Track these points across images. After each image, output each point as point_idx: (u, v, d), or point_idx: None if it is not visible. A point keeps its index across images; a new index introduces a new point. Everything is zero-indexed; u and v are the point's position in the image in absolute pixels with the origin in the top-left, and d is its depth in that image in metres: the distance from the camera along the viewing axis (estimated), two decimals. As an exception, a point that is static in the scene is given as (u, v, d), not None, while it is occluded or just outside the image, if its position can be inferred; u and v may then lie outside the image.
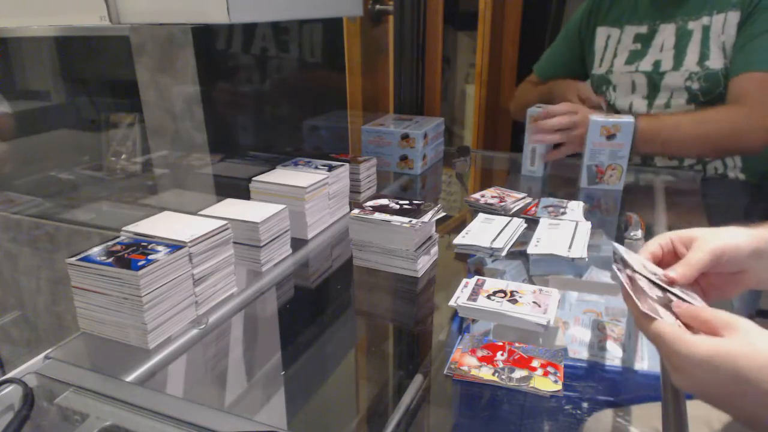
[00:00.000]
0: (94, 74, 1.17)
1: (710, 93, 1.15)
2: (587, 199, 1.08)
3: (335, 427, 0.61)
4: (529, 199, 1.06)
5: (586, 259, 0.81)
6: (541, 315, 0.64)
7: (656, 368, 0.60)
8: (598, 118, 1.09)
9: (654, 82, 1.21)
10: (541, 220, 0.95)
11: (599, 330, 0.67)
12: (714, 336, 0.44)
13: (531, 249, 0.84)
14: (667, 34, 1.19)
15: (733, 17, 1.11)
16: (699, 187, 1.15)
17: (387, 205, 0.84)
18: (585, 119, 1.11)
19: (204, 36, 0.95)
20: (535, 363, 0.60)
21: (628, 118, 1.08)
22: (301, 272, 0.86)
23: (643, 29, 1.23)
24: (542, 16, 2.07)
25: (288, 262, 0.85)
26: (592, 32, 1.33)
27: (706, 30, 1.14)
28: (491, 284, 0.72)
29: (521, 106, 1.29)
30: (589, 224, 0.91)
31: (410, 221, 0.78)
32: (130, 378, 0.60)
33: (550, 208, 1.01)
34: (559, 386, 0.57)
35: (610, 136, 1.08)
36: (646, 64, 1.22)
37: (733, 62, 1.11)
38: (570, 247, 0.84)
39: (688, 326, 0.47)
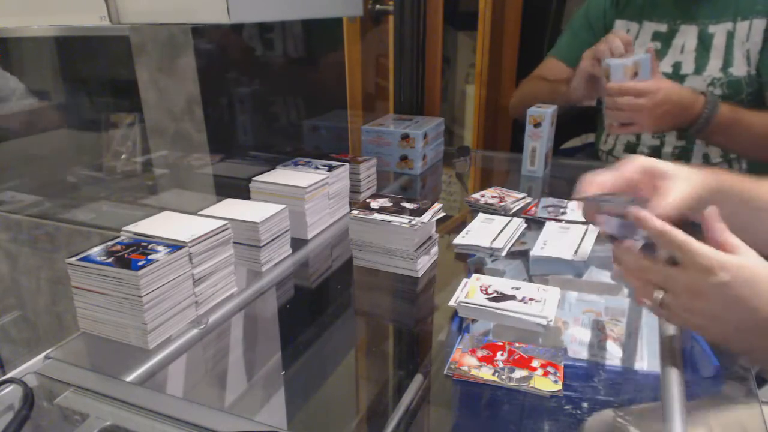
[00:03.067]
0: (94, 74, 1.17)
1: (731, 99, 1.13)
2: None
3: (335, 427, 0.61)
4: (529, 199, 1.06)
5: (586, 260, 0.81)
6: (541, 315, 0.64)
7: (656, 368, 0.60)
8: (616, 60, 1.02)
9: None
10: (548, 223, 0.94)
11: (599, 330, 0.67)
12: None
13: (536, 251, 0.84)
14: (688, 35, 1.17)
15: (759, 24, 1.09)
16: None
17: (387, 205, 0.84)
18: (660, 101, 1.00)
19: (204, 36, 0.95)
20: (535, 363, 0.60)
21: (644, 54, 1.02)
22: (301, 272, 0.86)
23: (663, 28, 1.20)
24: (542, 16, 2.06)
25: (288, 262, 0.85)
26: (610, 23, 1.28)
27: (730, 36, 1.12)
28: (491, 284, 0.72)
29: (530, 101, 1.24)
30: (598, 228, 0.91)
31: (410, 221, 0.78)
32: (130, 378, 0.60)
33: (550, 208, 1.01)
34: (559, 386, 0.57)
35: (634, 76, 1.02)
36: (665, 65, 1.19)
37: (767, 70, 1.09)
38: (576, 251, 0.83)
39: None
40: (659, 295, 0.53)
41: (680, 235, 0.51)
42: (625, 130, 1.09)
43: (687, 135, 1.15)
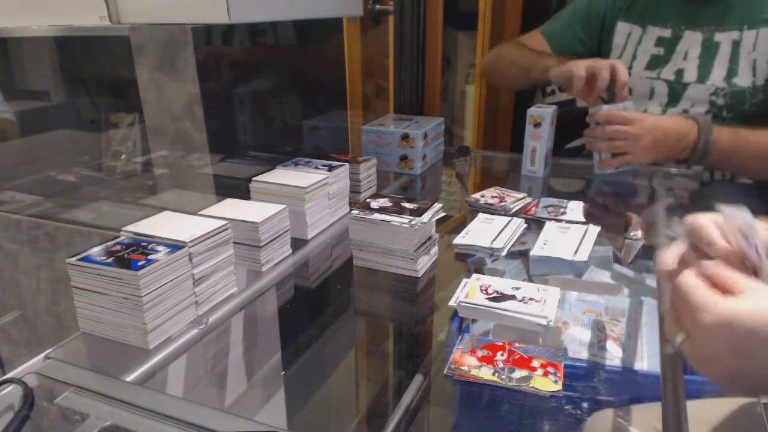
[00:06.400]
0: (94, 74, 1.17)
1: (734, 109, 1.12)
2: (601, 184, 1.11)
3: (335, 427, 0.61)
4: (529, 199, 1.06)
5: (586, 260, 0.81)
6: (541, 315, 0.64)
7: (656, 368, 0.60)
8: (604, 107, 1.08)
9: (675, 91, 1.16)
10: (548, 223, 0.94)
11: (599, 330, 0.67)
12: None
13: (536, 251, 0.84)
14: (691, 42, 1.14)
15: (766, 34, 1.07)
16: (699, 189, 1.14)
17: (387, 205, 0.84)
18: (650, 128, 1.04)
19: (204, 36, 0.95)
20: (535, 363, 0.60)
21: (627, 101, 1.08)
22: (301, 272, 0.86)
23: (667, 33, 1.17)
24: (542, 17, 2.07)
25: (288, 262, 0.85)
26: (611, 25, 1.25)
27: (735, 45, 1.10)
28: (491, 284, 0.72)
29: (505, 64, 1.24)
30: (598, 228, 0.91)
31: (410, 221, 0.78)
32: (130, 378, 0.60)
33: (550, 208, 1.01)
34: (559, 386, 0.57)
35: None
36: (668, 72, 1.17)
37: None
38: (576, 251, 0.83)
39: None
40: (679, 339, 0.45)
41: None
42: (617, 161, 1.11)
43: (686, 161, 1.12)
